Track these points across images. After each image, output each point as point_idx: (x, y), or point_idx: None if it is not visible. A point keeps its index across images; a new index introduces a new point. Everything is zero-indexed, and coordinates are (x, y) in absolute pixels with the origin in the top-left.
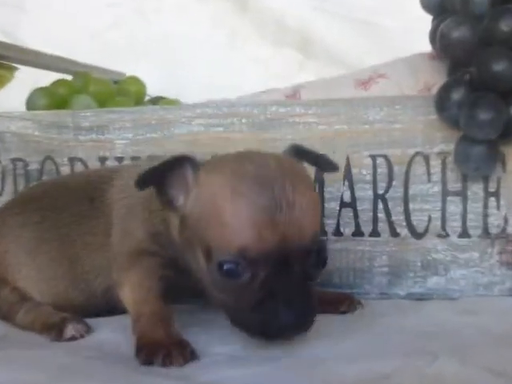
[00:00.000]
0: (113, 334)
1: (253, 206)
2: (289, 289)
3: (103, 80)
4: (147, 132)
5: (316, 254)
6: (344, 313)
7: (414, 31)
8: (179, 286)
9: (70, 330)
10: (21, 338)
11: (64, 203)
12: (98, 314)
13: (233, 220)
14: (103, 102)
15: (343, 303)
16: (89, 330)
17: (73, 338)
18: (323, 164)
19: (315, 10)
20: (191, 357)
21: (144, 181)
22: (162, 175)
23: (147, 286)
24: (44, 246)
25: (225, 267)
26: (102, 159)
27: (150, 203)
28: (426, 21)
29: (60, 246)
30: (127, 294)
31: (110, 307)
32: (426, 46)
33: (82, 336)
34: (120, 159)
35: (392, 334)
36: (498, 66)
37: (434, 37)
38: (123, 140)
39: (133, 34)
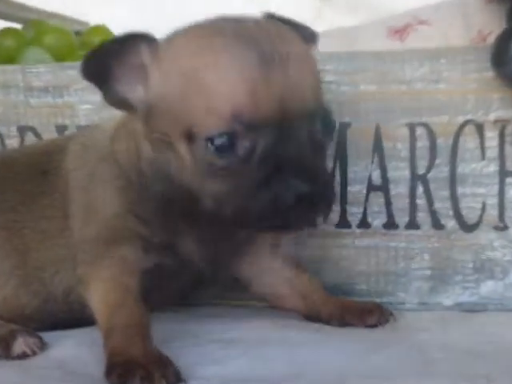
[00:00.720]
0: (77, 350)
1: (240, 62)
2: (297, 157)
3: (62, 29)
4: None
5: (322, 118)
6: (373, 327)
7: None
8: (174, 276)
9: (20, 344)
10: None
11: (10, 181)
12: (59, 324)
13: (218, 82)
14: (61, 57)
15: (372, 315)
16: (43, 345)
17: (23, 355)
18: (304, 35)
19: None
20: (175, 379)
21: (88, 73)
22: (108, 66)
23: (123, 284)
24: None
25: (215, 142)
26: (61, 128)
27: (125, 150)
28: None
29: (6, 235)
30: (96, 296)
31: (74, 316)
32: None
33: (34, 353)
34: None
35: (433, 352)
36: None
37: None
38: (87, 104)
39: None
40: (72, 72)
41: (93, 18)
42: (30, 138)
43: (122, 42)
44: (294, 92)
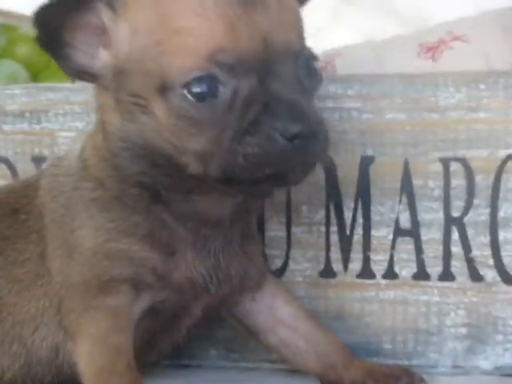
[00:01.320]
0: None
1: None
2: (285, 97)
3: None
4: None
5: (306, 62)
6: None
7: None
8: (171, 319)
9: None
10: None
11: None
12: None
13: (192, 20)
14: (36, 71)
15: (399, 380)
16: None
17: None
18: None
19: None
20: None
21: (40, 42)
22: (59, 30)
23: (113, 344)
24: None
25: (193, 88)
26: (38, 160)
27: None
28: None
29: None
30: (83, 358)
31: (66, 380)
32: None
33: None
34: None
35: None
36: None
37: None
38: (69, 131)
39: None
40: (52, 94)
41: None
42: (2, 172)
43: (72, 1)
44: (277, 30)
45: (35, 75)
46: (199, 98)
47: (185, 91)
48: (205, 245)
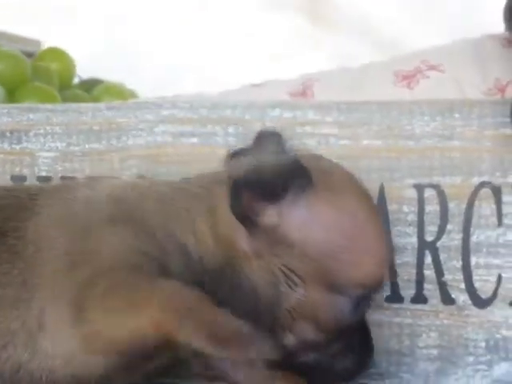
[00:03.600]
0: None
1: (383, 240)
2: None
3: (13, 54)
4: (86, 141)
5: None
6: None
7: (481, 4)
8: None
9: None
10: None
11: None
12: None
13: (373, 253)
14: (13, 87)
15: None
16: None
17: None
18: None
19: None
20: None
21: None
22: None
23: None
24: None
25: (360, 303)
26: (18, 179)
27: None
28: None
29: None
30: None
31: None
32: (498, 27)
33: None
34: (45, 180)
35: None
36: None
37: (510, 15)
38: (50, 152)
39: None
40: (32, 114)
41: (44, 36)
42: None
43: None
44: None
45: (11, 92)
46: (359, 309)
47: (348, 299)
48: None
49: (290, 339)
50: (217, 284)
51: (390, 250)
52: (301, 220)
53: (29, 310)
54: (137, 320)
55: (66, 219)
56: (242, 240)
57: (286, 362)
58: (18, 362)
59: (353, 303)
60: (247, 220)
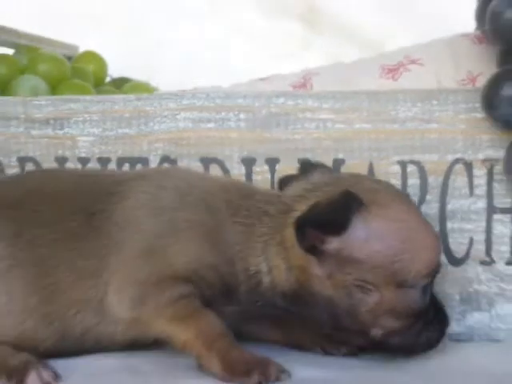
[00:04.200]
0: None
1: (431, 232)
2: (440, 302)
3: (55, 57)
4: (118, 127)
5: None
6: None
7: (456, 7)
8: None
9: (34, 378)
10: None
11: (49, 215)
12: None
13: (427, 246)
14: (55, 84)
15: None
16: (57, 378)
17: None
18: None
19: None
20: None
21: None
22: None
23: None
24: (16, 269)
25: (427, 288)
26: (61, 160)
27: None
28: None
29: (37, 272)
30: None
31: (84, 351)
32: (470, 27)
33: None
34: (84, 160)
35: (417, 379)
36: None
37: (481, 16)
38: (88, 136)
39: None
40: (73, 104)
41: (80, 41)
42: (30, 169)
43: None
44: None
45: (54, 87)
46: (424, 293)
47: (416, 290)
48: None
49: (376, 331)
50: (290, 303)
51: (438, 237)
52: (361, 239)
53: (101, 280)
54: (176, 333)
55: (153, 206)
56: (314, 267)
57: (377, 347)
58: (88, 326)
59: (421, 291)
60: (315, 250)
